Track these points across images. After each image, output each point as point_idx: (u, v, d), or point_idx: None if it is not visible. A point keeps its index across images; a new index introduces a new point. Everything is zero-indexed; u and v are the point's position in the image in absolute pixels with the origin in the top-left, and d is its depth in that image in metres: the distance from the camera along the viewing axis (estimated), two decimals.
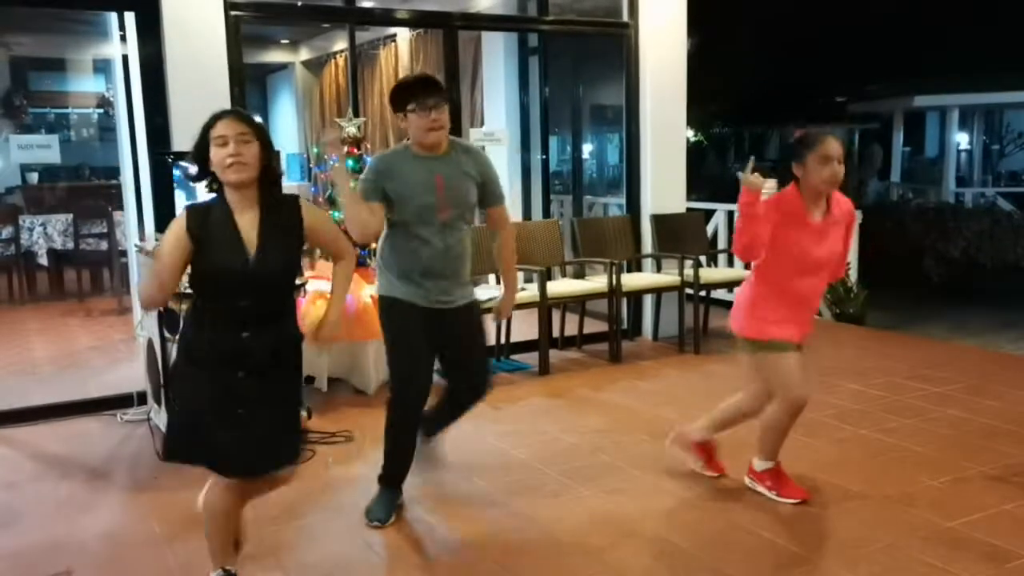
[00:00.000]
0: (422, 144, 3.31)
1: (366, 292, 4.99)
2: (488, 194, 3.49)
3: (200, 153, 2.57)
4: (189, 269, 2.59)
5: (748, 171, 3.21)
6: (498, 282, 5.65)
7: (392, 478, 3.50)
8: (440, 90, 3.33)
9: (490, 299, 5.24)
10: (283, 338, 2.65)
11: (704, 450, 3.79)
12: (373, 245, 5.32)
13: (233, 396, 2.57)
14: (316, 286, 4.85)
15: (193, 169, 2.62)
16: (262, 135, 2.59)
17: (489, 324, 3.80)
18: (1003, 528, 3.26)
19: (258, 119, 2.69)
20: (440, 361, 3.55)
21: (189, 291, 2.70)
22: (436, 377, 3.48)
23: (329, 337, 2.83)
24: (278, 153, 2.72)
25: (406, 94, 3.29)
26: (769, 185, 3.28)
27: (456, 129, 6.02)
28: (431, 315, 3.37)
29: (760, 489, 3.59)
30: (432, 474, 3.76)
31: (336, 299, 2.85)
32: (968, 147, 21.62)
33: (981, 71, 17.12)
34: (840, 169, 3.29)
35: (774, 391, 3.44)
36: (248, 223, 2.57)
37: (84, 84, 12.07)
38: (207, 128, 2.57)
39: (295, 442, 2.78)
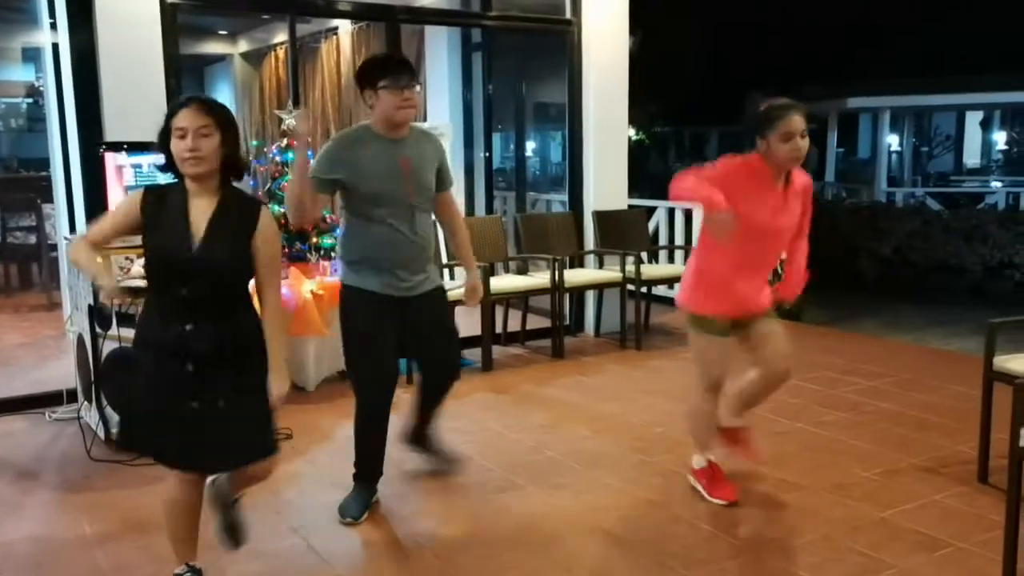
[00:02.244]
0: (390, 122, 3.26)
1: (307, 287, 4.93)
2: (442, 179, 3.48)
3: (163, 142, 2.53)
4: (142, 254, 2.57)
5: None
6: (452, 275, 5.63)
7: (365, 475, 3.49)
8: (412, 70, 3.32)
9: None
10: (234, 333, 2.56)
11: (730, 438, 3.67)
12: (314, 240, 5.27)
13: (184, 389, 2.51)
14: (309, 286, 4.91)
15: (160, 159, 2.57)
16: (225, 125, 2.51)
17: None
18: (934, 517, 3.36)
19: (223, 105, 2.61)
20: (408, 349, 3.57)
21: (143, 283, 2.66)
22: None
23: (280, 394, 2.60)
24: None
25: (377, 70, 3.25)
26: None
27: None
28: (395, 303, 3.34)
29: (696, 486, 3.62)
30: (455, 471, 3.82)
31: (275, 354, 2.61)
32: (899, 148, 22.25)
33: (911, 74, 17.61)
34: (803, 144, 3.23)
35: (696, 372, 3.46)
36: (201, 213, 2.52)
37: (12, 73, 11.68)
38: (169, 117, 2.51)
39: (257, 438, 2.64)
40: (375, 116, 3.29)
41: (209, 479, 2.80)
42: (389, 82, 3.20)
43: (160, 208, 2.52)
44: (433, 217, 3.54)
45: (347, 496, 3.46)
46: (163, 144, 2.53)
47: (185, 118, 2.47)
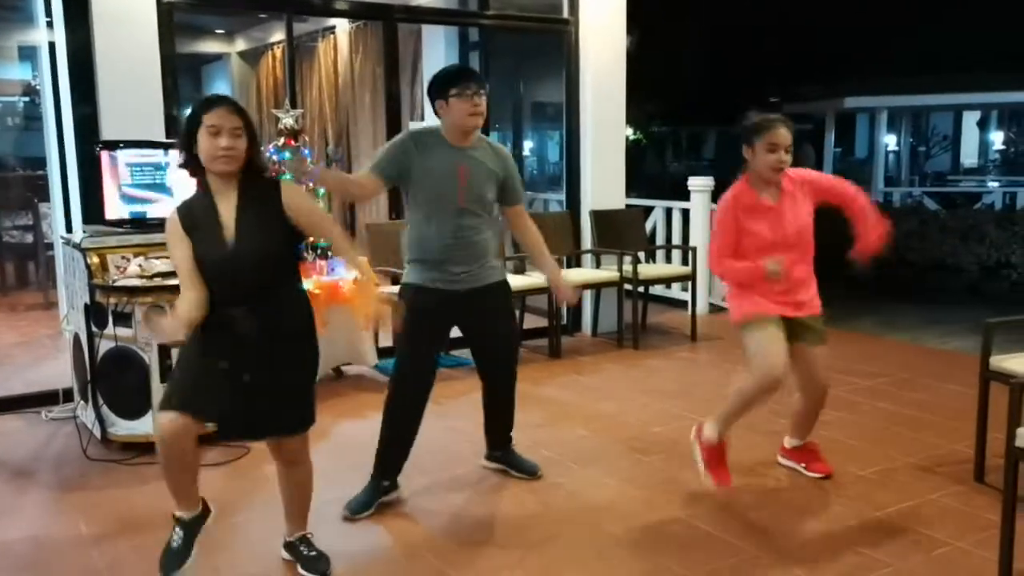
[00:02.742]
0: (462, 128, 3.38)
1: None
2: (509, 192, 3.56)
3: (189, 136, 2.59)
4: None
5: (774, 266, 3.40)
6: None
7: (382, 469, 3.52)
8: (481, 79, 3.43)
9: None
10: (279, 313, 2.70)
11: (804, 454, 3.83)
12: (311, 239, 5.26)
13: (232, 360, 2.65)
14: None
15: (180, 157, 2.65)
16: (250, 128, 2.63)
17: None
18: (930, 516, 3.37)
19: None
20: (467, 344, 3.73)
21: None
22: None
23: (379, 302, 2.84)
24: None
25: (448, 80, 3.39)
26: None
27: (395, 123, 5.98)
28: (450, 298, 3.42)
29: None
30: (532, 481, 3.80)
31: (355, 264, 2.84)
32: (896, 148, 22.26)
33: (909, 74, 17.60)
34: (787, 158, 3.40)
35: (749, 365, 3.50)
36: (228, 210, 2.63)
37: (8, 71, 11.66)
38: (199, 112, 2.58)
39: (294, 414, 2.80)
40: (445, 125, 3.42)
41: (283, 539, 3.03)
42: (459, 90, 3.33)
43: (193, 218, 2.64)
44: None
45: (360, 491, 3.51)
46: (187, 143, 2.60)
47: (219, 117, 2.56)
